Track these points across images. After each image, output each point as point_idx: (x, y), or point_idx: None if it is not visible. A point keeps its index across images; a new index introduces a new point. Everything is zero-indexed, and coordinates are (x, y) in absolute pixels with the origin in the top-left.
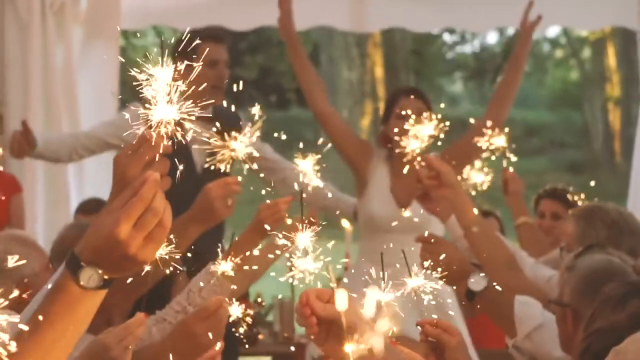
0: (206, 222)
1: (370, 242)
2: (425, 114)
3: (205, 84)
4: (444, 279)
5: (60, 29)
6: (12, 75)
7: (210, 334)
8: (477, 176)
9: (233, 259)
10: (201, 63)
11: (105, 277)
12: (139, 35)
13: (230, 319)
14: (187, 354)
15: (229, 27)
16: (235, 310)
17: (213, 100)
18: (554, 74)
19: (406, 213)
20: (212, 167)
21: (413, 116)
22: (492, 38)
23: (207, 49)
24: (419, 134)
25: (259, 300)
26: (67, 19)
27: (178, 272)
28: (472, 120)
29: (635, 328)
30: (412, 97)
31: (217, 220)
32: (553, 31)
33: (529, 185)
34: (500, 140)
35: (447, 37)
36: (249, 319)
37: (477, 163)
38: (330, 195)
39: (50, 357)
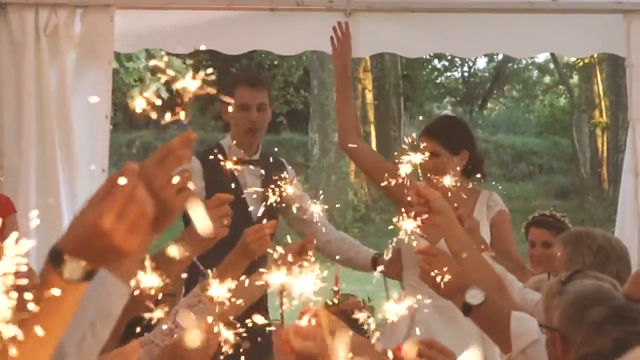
0: (200, 244)
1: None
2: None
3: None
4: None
5: (54, 52)
6: (5, 98)
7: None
8: None
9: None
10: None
11: (89, 268)
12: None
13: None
14: None
15: (221, 51)
16: (227, 334)
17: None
18: (543, 100)
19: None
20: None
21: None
22: (481, 63)
23: (240, 92)
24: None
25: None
26: (61, 41)
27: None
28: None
29: (620, 352)
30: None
31: (212, 242)
32: (542, 57)
33: (516, 210)
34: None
35: (437, 63)
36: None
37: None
38: (349, 247)
39: (33, 351)
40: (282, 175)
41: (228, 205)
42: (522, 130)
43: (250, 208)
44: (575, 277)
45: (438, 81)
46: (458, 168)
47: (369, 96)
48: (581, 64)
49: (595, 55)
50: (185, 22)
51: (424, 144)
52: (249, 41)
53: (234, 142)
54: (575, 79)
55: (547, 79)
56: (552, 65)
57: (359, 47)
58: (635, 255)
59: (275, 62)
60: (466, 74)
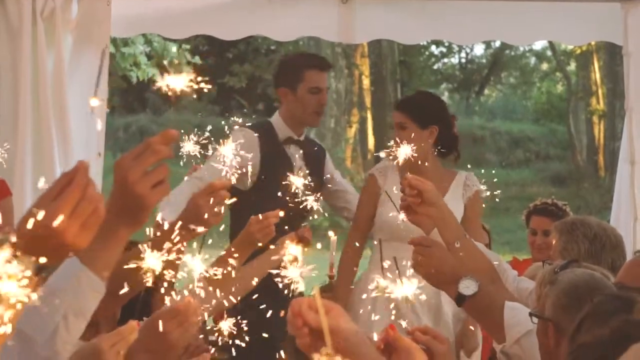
0: (194, 231)
1: (377, 252)
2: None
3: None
4: (435, 283)
5: (50, 36)
6: (2, 81)
7: (179, 332)
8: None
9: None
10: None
11: (39, 264)
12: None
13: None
14: (155, 350)
15: (218, 36)
16: (224, 325)
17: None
18: (540, 87)
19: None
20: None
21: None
22: (478, 50)
23: (312, 76)
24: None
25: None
26: (58, 25)
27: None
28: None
29: (619, 342)
30: (395, 111)
31: (206, 228)
32: (539, 44)
33: (512, 197)
34: None
35: (434, 49)
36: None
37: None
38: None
39: None
40: (319, 155)
41: (225, 192)
42: (518, 117)
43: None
44: (569, 266)
45: (435, 67)
46: (427, 143)
47: (366, 82)
48: (579, 51)
49: (593, 43)
50: (182, 8)
51: (394, 117)
52: (246, 27)
53: (289, 124)
54: (572, 66)
55: (544, 66)
56: (549, 53)
57: (355, 34)
58: (630, 243)
59: (272, 47)
60: (463, 60)
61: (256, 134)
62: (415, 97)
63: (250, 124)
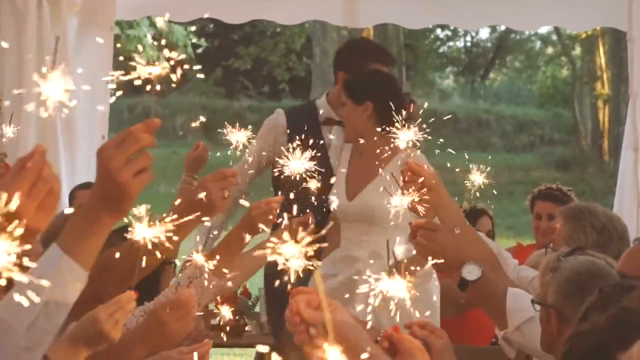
0: (202, 214)
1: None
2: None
3: None
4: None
5: (55, 18)
6: (7, 63)
7: (179, 324)
8: (478, 177)
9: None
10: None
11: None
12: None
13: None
14: (156, 341)
15: (223, 19)
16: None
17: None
18: (545, 71)
19: (354, 203)
20: None
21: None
22: (484, 33)
23: (374, 68)
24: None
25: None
26: (63, 8)
27: (167, 263)
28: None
29: (616, 330)
30: None
31: (214, 212)
32: (544, 29)
33: (517, 181)
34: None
35: (439, 32)
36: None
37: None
38: None
39: None
40: None
41: (233, 178)
42: (523, 101)
43: (333, 162)
44: (575, 253)
45: (440, 51)
46: (361, 119)
47: None
48: (584, 35)
49: (598, 28)
50: None
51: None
52: (251, 10)
53: (334, 106)
54: (577, 50)
55: (549, 50)
56: (554, 37)
57: (360, 18)
58: (633, 230)
59: (278, 30)
60: (469, 44)
61: (286, 118)
62: (356, 75)
63: (295, 107)
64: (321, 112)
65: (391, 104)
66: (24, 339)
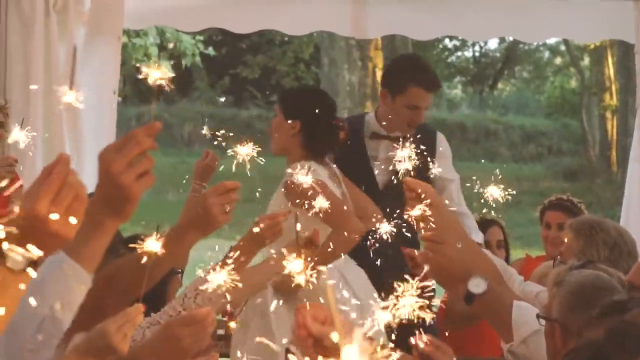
0: (204, 229)
1: None
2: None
3: None
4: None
5: (63, 28)
6: (14, 73)
7: (193, 340)
8: (495, 191)
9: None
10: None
11: (31, 257)
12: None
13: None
14: (168, 356)
15: (231, 29)
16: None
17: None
18: (553, 82)
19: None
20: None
21: None
22: (492, 44)
23: (415, 93)
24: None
25: None
26: (71, 17)
27: (174, 275)
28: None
29: (614, 343)
30: None
31: (215, 227)
32: (553, 39)
33: (525, 192)
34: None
35: (447, 42)
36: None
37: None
38: None
39: None
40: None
41: (234, 193)
42: (532, 111)
43: (377, 177)
44: (587, 267)
45: (449, 61)
46: (286, 135)
47: (380, 74)
48: (592, 46)
49: (607, 39)
50: (195, 0)
51: None
52: (259, 20)
53: (381, 122)
54: (586, 61)
55: (558, 60)
56: (563, 47)
57: (368, 29)
58: None
59: (286, 39)
60: (477, 54)
61: None
62: (296, 89)
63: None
64: (367, 125)
65: (320, 130)
66: (30, 342)
